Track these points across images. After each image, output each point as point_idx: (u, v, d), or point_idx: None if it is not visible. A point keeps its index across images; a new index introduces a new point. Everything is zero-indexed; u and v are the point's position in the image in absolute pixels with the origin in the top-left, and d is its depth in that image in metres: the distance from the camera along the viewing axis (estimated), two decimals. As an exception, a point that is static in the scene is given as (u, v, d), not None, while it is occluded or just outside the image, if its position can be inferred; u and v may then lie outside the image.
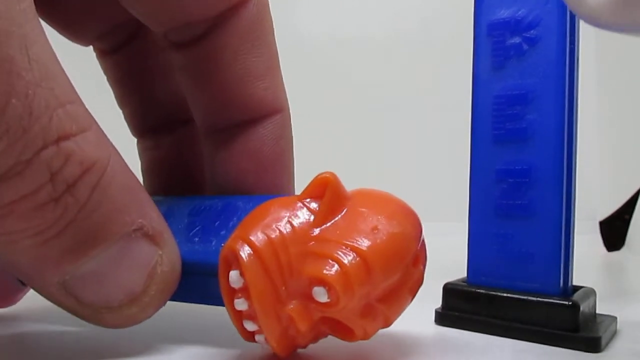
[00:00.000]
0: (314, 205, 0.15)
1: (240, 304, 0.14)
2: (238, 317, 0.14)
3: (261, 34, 0.18)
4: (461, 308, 0.19)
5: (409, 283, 0.15)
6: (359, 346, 0.17)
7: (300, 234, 0.14)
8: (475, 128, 0.19)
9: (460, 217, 0.20)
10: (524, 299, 0.18)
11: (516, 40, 0.18)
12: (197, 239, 0.16)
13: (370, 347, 0.17)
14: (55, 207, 0.13)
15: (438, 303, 0.19)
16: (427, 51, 0.58)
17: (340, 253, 0.13)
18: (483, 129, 0.19)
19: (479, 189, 0.19)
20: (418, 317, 0.19)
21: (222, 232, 0.16)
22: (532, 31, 0.18)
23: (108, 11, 0.20)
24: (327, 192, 0.14)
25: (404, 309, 0.15)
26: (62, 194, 0.13)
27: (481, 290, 0.19)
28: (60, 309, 0.15)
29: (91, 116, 0.14)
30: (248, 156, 0.18)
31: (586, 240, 0.38)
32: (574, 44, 0.18)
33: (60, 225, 0.13)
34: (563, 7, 0.18)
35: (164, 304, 0.16)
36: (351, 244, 0.14)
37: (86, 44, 0.21)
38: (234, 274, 0.14)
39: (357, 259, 0.13)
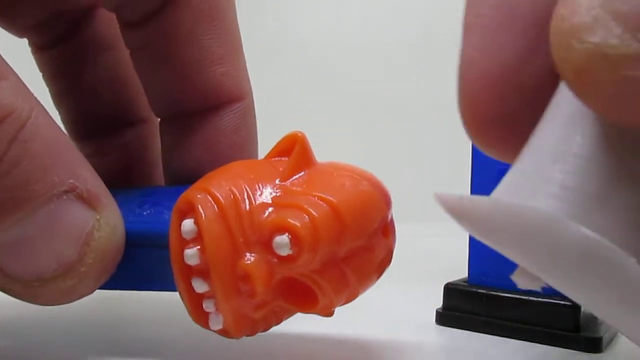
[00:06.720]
0: (281, 164, 0.14)
1: (191, 256, 0.13)
2: (186, 274, 0.13)
3: (218, 13, 0.17)
4: (462, 308, 0.19)
5: (376, 252, 0.14)
6: (360, 346, 0.17)
7: (265, 187, 0.13)
8: (477, 128, 0.19)
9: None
10: (524, 299, 0.18)
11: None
12: (146, 213, 0.15)
13: (371, 347, 0.17)
14: None
15: (439, 303, 0.19)
16: (427, 51, 0.58)
17: (308, 203, 0.13)
18: (484, 129, 0.19)
19: (480, 189, 0.19)
20: (419, 317, 0.19)
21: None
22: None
23: None
24: (295, 147, 0.14)
25: (370, 283, 0.14)
26: None
27: (482, 290, 0.19)
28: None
29: (10, 67, 0.12)
30: (205, 147, 0.17)
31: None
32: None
33: None
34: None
35: (107, 276, 0.14)
36: (320, 194, 0.13)
37: (20, 34, 0.20)
38: (187, 223, 0.13)
39: (327, 208, 0.13)
